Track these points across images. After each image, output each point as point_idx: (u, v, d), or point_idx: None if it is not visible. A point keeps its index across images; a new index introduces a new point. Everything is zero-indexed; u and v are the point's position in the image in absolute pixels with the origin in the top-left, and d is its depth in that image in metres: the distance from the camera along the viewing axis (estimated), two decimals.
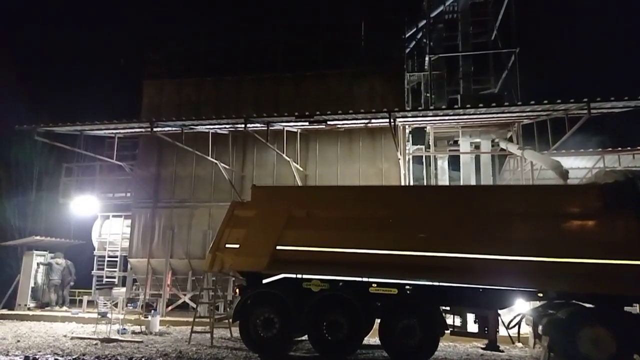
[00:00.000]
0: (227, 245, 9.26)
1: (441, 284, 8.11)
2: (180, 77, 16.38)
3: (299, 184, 14.14)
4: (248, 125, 13.09)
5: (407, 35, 16.96)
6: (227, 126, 14.23)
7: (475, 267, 7.86)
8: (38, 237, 16.43)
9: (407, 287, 8.48)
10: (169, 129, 13.91)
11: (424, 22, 17.45)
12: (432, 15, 17.17)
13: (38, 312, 14.76)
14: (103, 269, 17.45)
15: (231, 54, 16.25)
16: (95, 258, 17.77)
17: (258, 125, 13.59)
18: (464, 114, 13.05)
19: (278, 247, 8.88)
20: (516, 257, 7.75)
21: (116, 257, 17.47)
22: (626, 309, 7.79)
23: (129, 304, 15.15)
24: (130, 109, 17.27)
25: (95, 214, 17.76)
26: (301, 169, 14.62)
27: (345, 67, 15.33)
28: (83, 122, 13.41)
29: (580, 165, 16.44)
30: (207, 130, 14.29)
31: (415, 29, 18.08)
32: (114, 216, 17.71)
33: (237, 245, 9.16)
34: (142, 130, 14.30)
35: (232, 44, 16.34)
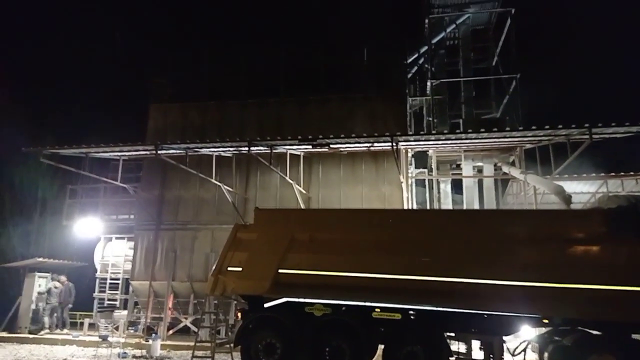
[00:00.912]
0: (230, 268, 9.22)
1: (445, 309, 8.02)
2: (186, 101, 16.63)
3: (302, 206, 14.16)
4: (252, 148, 13.21)
5: (409, 61, 17.23)
6: (231, 149, 14.35)
7: (480, 293, 7.79)
8: (41, 259, 16.42)
9: (411, 312, 8.40)
10: (174, 151, 14.04)
11: (426, 47, 17.74)
12: (434, 41, 17.46)
13: (38, 335, 14.63)
14: (105, 292, 17.37)
15: (235, 78, 16.51)
16: (97, 280, 17.70)
17: (262, 148, 13.70)
18: (466, 139, 13.14)
19: (280, 271, 8.84)
20: (521, 282, 7.69)
21: (118, 279, 17.40)
22: (634, 336, 7.68)
23: (130, 327, 15.01)
24: (136, 132, 17.46)
25: (98, 236, 17.77)
26: (304, 192, 14.67)
27: (348, 92, 15.54)
28: (89, 144, 13.55)
29: (583, 190, 16.43)
30: (211, 153, 14.41)
31: (417, 55, 18.36)
32: (116, 238, 17.72)
33: (240, 269, 9.12)
34: (147, 152, 14.43)
35: (236, 69, 16.61)
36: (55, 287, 15.76)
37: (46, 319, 15.44)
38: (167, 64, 17.07)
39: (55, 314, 15.65)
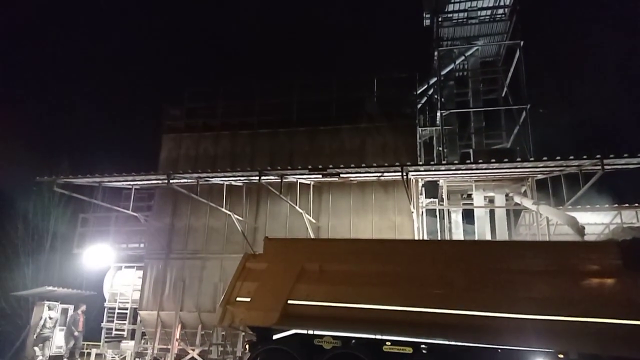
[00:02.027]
0: (238, 299, 9.13)
1: (458, 343, 7.83)
2: (198, 131, 16.89)
3: (312, 235, 14.10)
4: (262, 177, 13.30)
5: (418, 92, 17.40)
6: (242, 178, 14.45)
7: (493, 326, 7.61)
8: (50, 288, 16.43)
9: (423, 346, 8.19)
10: (185, 180, 14.17)
11: (435, 79, 17.94)
12: (443, 72, 17.64)
13: None
14: (113, 321, 17.25)
15: (248, 109, 16.81)
16: (106, 310, 17.61)
17: (272, 177, 13.80)
18: (477, 169, 13.10)
19: (289, 302, 8.74)
20: (535, 315, 7.51)
21: (126, 309, 17.30)
22: None
23: (137, 359, 14.83)
24: (149, 161, 17.74)
25: (108, 264, 17.79)
26: (314, 221, 14.63)
27: (359, 122, 15.67)
28: (102, 173, 13.75)
29: (597, 221, 16.17)
30: (222, 182, 14.52)
31: (426, 86, 18.55)
32: (126, 267, 17.72)
33: (248, 299, 9.03)
34: (159, 182, 14.59)
35: (248, 100, 16.93)
36: (51, 317, 15.63)
37: (31, 351, 15.18)
38: (182, 95, 17.46)
39: (68, 344, 15.46)
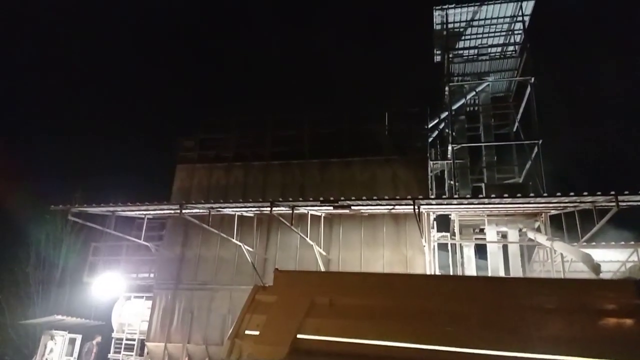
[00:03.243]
0: (247, 332, 8.98)
1: None
2: (211, 162, 17.12)
3: (322, 268, 13.99)
4: (273, 208, 13.34)
5: (430, 125, 17.54)
6: (253, 209, 14.52)
7: None
8: (59, 317, 16.40)
9: None
10: (197, 210, 14.27)
11: (446, 113, 18.10)
12: (454, 107, 17.79)
13: None
14: (120, 352, 17.06)
15: (260, 141, 17.06)
16: (113, 340, 17.45)
17: (283, 208, 13.84)
18: (489, 203, 13.02)
19: (299, 336, 8.59)
20: (549, 355, 7.27)
21: (134, 340, 17.12)
22: None
23: None
24: (162, 191, 17.94)
25: (117, 294, 17.75)
26: (324, 253, 14.54)
27: (370, 155, 15.78)
28: (116, 203, 13.92)
29: (612, 258, 15.83)
30: (233, 213, 14.59)
31: (437, 119, 18.68)
32: (135, 297, 17.65)
33: (257, 332, 8.91)
34: (172, 212, 14.70)
35: (261, 132, 17.21)
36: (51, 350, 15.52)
37: None
38: (197, 127, 17.80)
39: None
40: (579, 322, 7.48)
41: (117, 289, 17.34)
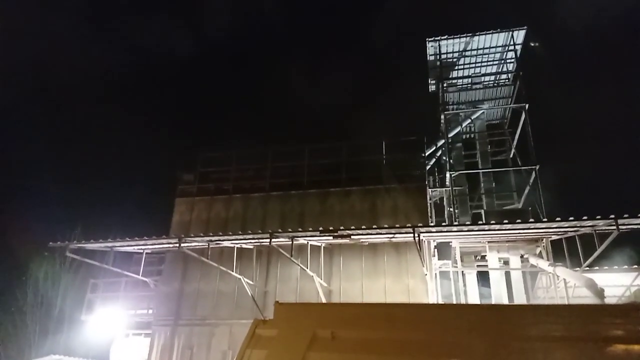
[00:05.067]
0: None
1: None
2: (210, 195, 17.13)
3: (323, 299, 13.80)
4: (273, 240, 13.27)
5: (427, 154, 17.66)
6: (253, 241, 14.44)
7: None
8: (56, 357, 16.05)
9: None
10: (196, 244, 14.18)
11: (443, 141, 18.26)
12: (450, 135, 17.99)
13: None
14: None
15: (259, 173, 17.14)
16: None
17: (282, 239, 13.76)
18: (489, 230, 12.98)
19: None
20: None
21: None
22: None
23: None
24: (161, 225, 17.90)
25: (115, 332, 17.42)
26: (325, 284, 14.38)
27: (369, 184, 15.82)
28: (114, 238, 13.85)
29: (616, 282, 15.64)
30: (232, 245, 14.49)
31: (434, 147, 18.85)
32: (133, 334, 17.31)
33: None
34: (170, 245, 14.61)
35: (260, 164, 17.30)
36: None
37: None
38: (196, 161, 17.90)
39: None
40: (586, 349, 7.32)
41: (115, 327, 17.04)
